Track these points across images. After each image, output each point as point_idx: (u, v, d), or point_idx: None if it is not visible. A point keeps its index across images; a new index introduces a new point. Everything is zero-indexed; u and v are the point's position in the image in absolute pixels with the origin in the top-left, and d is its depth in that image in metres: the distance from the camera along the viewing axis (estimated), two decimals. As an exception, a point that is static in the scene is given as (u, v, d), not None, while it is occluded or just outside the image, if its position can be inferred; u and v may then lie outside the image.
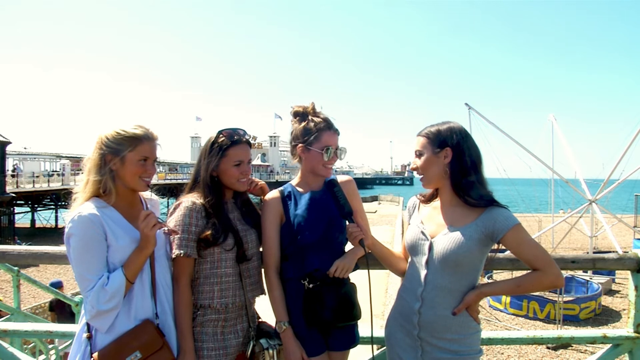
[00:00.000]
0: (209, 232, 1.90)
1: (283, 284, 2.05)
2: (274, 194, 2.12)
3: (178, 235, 1.88)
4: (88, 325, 1.76)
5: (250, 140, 2.10)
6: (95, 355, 1.71)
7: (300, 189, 2.13)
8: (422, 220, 1.90)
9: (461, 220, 1.77)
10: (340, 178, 2.19)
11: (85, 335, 1.76)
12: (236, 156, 1.99)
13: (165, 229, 1.85)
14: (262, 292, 2.11)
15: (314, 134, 2.03)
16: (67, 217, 1.75)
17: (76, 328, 1.86)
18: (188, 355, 1.86)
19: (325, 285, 1.97)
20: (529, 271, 1.74)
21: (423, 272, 1.80)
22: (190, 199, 1.95)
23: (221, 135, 1.99)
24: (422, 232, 1.84)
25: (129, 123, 1.82)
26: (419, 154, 1.84)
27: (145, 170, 1.81)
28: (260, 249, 2.13)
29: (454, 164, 1.77)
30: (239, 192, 2.11)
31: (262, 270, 2.14)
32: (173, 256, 1.89)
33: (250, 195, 2.22)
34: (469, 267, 1.75)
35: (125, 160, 1.77)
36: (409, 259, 1.94)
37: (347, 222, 1.96)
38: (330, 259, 2.01)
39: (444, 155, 1.78)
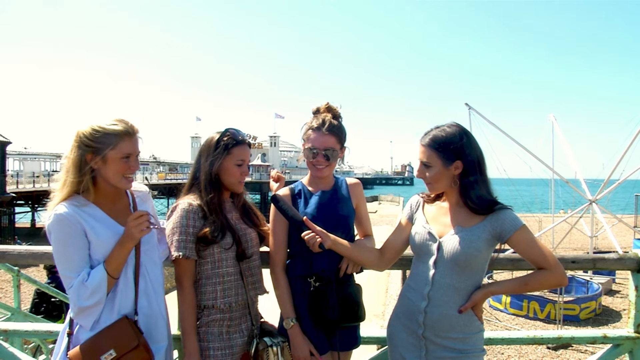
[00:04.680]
0: (207, 230, 1.91)
1: (289, 282, 2.06)
2: (284, 191, 2.13)
3: (176, 237, 1.88)
4: (71, 322, 1.75)
5: (250, 142, 2.12)
6: (70, 352, 1.68)
7: (310, 188, 2.13)
8: (427, 220, 1.90)
9: (469, 220, 1.78)
10: (349, 180, 2.21)
11: (67, 331, 1.75)
12: (239, 155, 2.02)
13: (156, 226, 1.83)
14: (264, 291, 2.11)
15: (306, 132, 2.07)
16: (44, 218, 1.71)
17: None
18: (193, 356, 1.86)
19: (331, 284, 1.98)
20: (533, 270, 1.78)
21: (431, 272, 1.80)
22: (187, 201, 1.95)
23: (227, 134, 2.01)
24: (430, 233, 1.84)
25: (107, 117, 1.73)
26: (426, 166, 1.82)
27: (128, 168, 1.75)
28: (261, 249, 2.14)
29: (464, 174, 1.78)
30: (236, 193, 2.13)
31: (263, 269, 2.14)
32: (172, 258, 1.89)
33: (250, 196, 2.24)
34: (476, 266, 1.77)
35: (107, 159, 1.70)
36: (413, 259, 1.94)
37: (303, 231, 1.90)
38: (337, 259, 2.02)
39: (454, 168, 1.78)
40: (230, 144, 1.99)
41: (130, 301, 1.78)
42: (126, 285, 1.78)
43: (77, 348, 1.69)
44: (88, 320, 1.71)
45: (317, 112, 2.09)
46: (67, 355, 1.70)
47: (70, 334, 1.74)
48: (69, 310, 1.79)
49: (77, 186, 1.72)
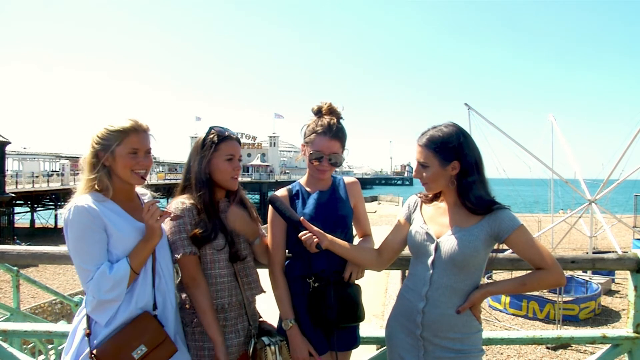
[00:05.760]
0: (197, 230, 1.90)
1: (288, 282, 2.05)
2: (282, 192, 2.13)
3: (176, 237, 1.89)
4: (88, 319, 1.73)
5: (240, 138, 2.12)
6: (97, 351, 1.66)
7: (308, 188, 2.13)
8: (424, 220, 1.90)
9: (466, 220, 1.78)
10: (347, 180, 2.20)
11: (84, 330, 1.72)
12: (227, 150, 2.00)
13: (170, 216, 1.85)
14: (261, 291, 2.11)
15: (309, 135, 2.04)
16: (63, 211, 1.74)
17: None
18: (221, 346, 1.87)
19: (330, 285, 1.97)
20: (531, 270, 1.78)
21: (429, 272, 1.80)
22: (179, 200, 1.96)
23: (212, 131, 2.02)
24: (427, 233, 1.84)
25: (119, 118, 1.81)
26: (424, 166, 1.82)
27: (136, 163, 1.79)
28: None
29: (461, 174, 1.78)
30: (232, 192, 2.11)
31: (263, 269, 2.14)
32: (178, 257, 1.88)
33: (248, 196, 2.23)
34: (474, 266, 1.77)
35: (115, 154, 1.76)
36: (412, 259, 1.94)
37: (300, 232, 1.90)
38: (336, 259, 2.00)
39: (451, 168, 1.78)
40: (216, 140, 1.99)
41: (148, 296, 1.79)
42: (145, 280, 1.79)
43: (103, 346, 1.67)
44: (104, 315, 1.69)
45: (318, 112, 2.07)
46: (92, 354, 1.66)
47: (89, 334, 1.71)
48: (82, 307, 1.77)
49: (93, 183, 1.78)
